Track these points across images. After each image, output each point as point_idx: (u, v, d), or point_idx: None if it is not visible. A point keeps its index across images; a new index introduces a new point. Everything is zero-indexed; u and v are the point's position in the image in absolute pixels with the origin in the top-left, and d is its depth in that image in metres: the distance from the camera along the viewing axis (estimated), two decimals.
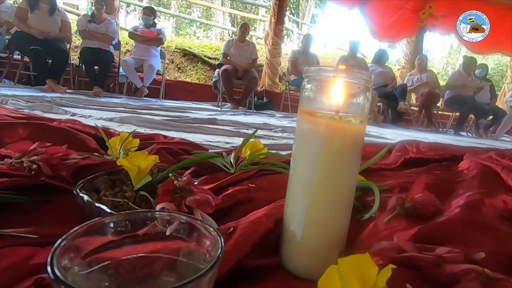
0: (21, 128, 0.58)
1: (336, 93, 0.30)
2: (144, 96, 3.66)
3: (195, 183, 0.45)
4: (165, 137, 0.75)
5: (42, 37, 2.93)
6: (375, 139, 2.04)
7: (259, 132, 1.67)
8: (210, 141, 1.21)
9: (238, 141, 1.32)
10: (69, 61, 3.40)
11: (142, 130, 1.33)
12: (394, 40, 5.95)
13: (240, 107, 3.65)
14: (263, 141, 1.41)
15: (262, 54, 5.08)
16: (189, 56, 6.03)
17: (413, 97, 4.59)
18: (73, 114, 1.54)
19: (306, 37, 4.20)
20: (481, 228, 0.37)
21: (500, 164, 0.81)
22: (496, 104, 4.62)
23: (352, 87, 0.30)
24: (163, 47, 4.21)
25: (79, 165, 0.40)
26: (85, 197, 0.32)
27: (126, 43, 5.37)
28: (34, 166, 0.38)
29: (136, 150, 0.60)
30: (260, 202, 0.45)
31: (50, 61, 3.09)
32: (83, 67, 3.43)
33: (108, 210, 0.30)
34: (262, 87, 4.68)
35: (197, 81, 5.65)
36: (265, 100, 4.34)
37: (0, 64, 3.32)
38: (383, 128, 3.36)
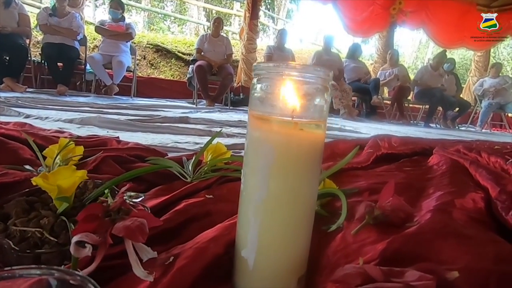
0: None
1: (290, 95, 0.26)
2: (115, 94, 3.49)
3: (141, 198, 0.39)
4: (118, 141, 0.67)
5: None
6: (350, 134, 2.05)
7: (233, 131, 1.61)
8: (178, 142, 1.14)
9: None
10: (29, 58, 3.16)
11: (104, 132, 1.23)
12: (367, 35, 6.07)
13: (216, 104, 3.57)
14: (236, 140, 1.36)
15: (238, 50, 5.00)
16: (162, 52, 5.82)
17: (385, 91, 4.71)
18: (27, 116, 1.40)
19: (281, 32, 4.17)
20: (452, 237, 0.34)
21: (468, 159, 0.82)
22: (461, 96, 4.85)
23: (308, 87, 0.26)
24: (134, 43, 4.02)
25: None
26: None
27: (94, 39, 5.09)
28: None
29: (80, 159, 0.53)
30: (218, 216, 0.40)
31: (7, 57, 2.86)
32: (45, 64, 3.20)
33: (10, 246, 0.24)
34: (238, 83, 4.60)
35: (171, 78, 5.47)
36: (241, 96, 4.28)
37: None
38: (358, 122, 3.41)
